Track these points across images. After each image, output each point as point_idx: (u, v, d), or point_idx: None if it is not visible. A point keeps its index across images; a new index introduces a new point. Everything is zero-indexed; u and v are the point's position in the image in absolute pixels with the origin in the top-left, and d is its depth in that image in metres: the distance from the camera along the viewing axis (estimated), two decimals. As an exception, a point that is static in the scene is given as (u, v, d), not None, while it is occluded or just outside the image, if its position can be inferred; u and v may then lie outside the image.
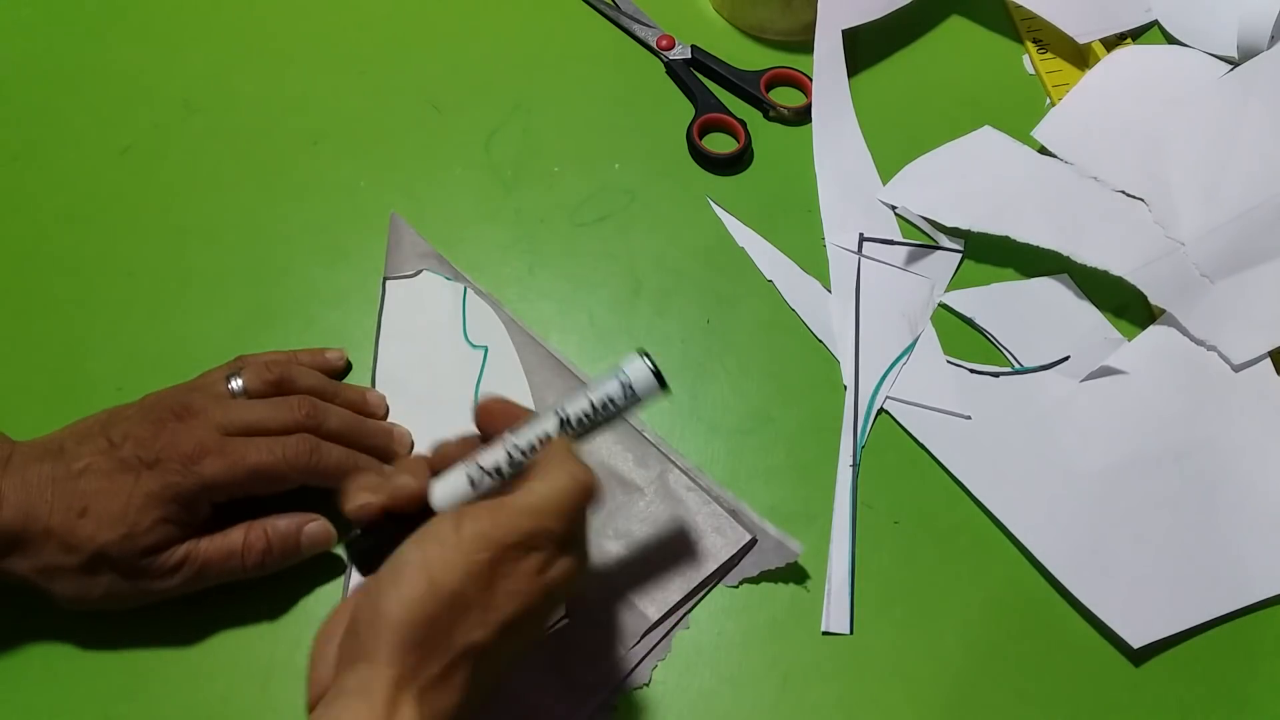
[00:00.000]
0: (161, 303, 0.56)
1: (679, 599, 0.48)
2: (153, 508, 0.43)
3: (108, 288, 0.57)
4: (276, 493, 0.47)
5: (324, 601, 0.48)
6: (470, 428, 0.43)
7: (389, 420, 0.52)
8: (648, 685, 0.47)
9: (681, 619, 0.48)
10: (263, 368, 0.49)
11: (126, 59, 0.65)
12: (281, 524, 0.47)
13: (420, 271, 0.57)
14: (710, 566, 0.48)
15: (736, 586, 0.49)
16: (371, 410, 0.52)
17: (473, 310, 0.56)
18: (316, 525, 0.47)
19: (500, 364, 0.54)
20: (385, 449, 0.50)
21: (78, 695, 0.46)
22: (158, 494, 0.43)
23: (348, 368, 0.54)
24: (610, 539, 0.49)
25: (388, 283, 0.57)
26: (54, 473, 0.43)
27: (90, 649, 0.47)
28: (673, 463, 0.51)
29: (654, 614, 0.47)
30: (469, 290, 0.56)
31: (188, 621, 0.47)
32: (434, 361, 0.54)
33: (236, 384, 0.48)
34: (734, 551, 0.48)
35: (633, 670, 0.46)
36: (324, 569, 0.49)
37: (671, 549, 0.49)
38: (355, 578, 0.48)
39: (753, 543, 0.49)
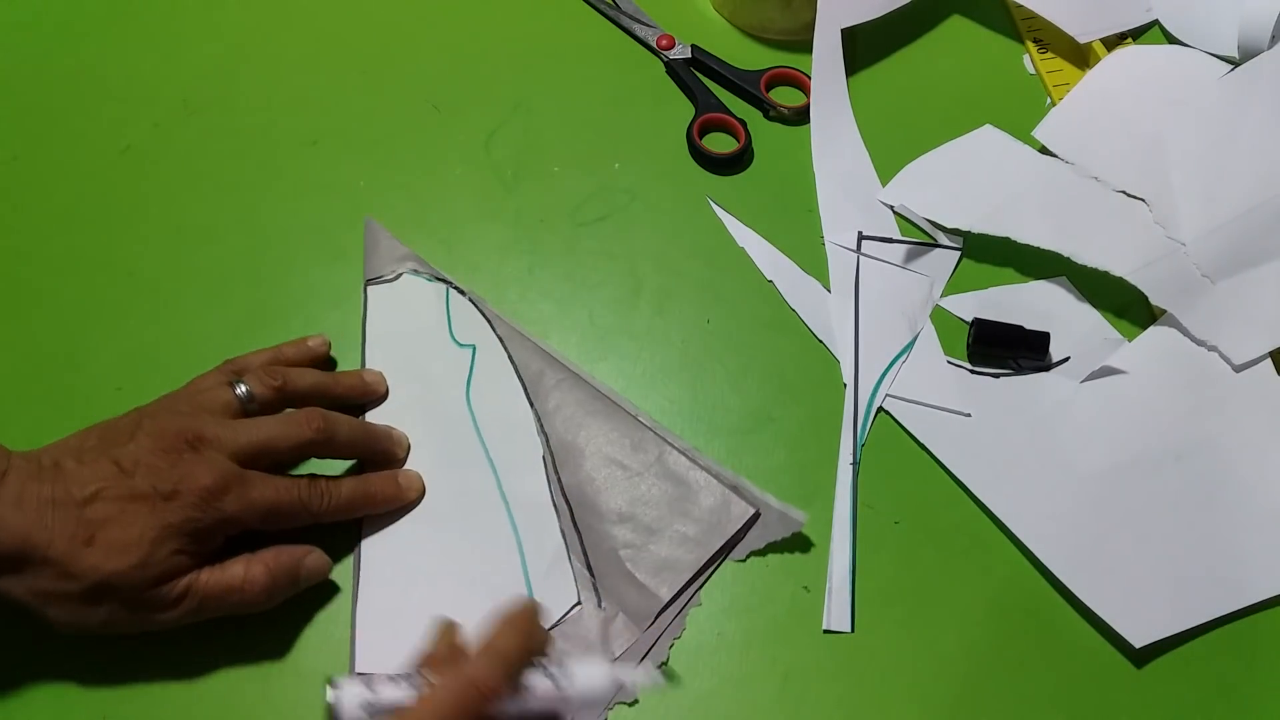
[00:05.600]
0: (161, 303, 0.56)
1: (689, 577, 0.48)
2: (169, 540, 0.43)
3: (108, 288, 0.57)
4: (288, 529, 0.47)
5: (321, 602, 0.48)
6: None
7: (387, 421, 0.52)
8: (666, 663, 0.47)
9: (693, 596, 0.48)
10: (264, 374, 0.49)
11: (126, 59, 0.65)
12: (282, 557, 0.46)
13: (400, 274, 0.57)
14: (717, 542, 0.49)
15: (744, 560, 0.49)
16: (373, 390, 0.52)
17: (456, 309, 0.56)
18: (315, 557, 0.47)
19: (489, 361, 0.54)
20: (390, 454, 0.50)
21: (77, 695, 0.46)
22: (177, 527, 0.43)
23: (330, 356, 0.54)
24: (615, 524, 0.49)
25: (369, 288, 0.56)
26: (54, 495, 0.42)
27: (90, 649, 0.46)
28: (670, 444, 0.51)
29: (666, 594, 0.47)
30: (451, 289, 0.56)
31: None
32: (422, 364, 0.54)
33: (242, 390, 0.47)
34: (739, 526, 0.49)
35: (650, 650, 0.47)
36: (324, 569, 0.49)
37: (677, 529, 0.49)
38: (364, 583, 0.48)
39: (756, 516, 0.49)
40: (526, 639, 0.40)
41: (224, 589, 0.44)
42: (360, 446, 0.49)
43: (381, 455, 0.50)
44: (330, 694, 0.39)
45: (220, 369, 0.50)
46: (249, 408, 0.47)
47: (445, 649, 0.42)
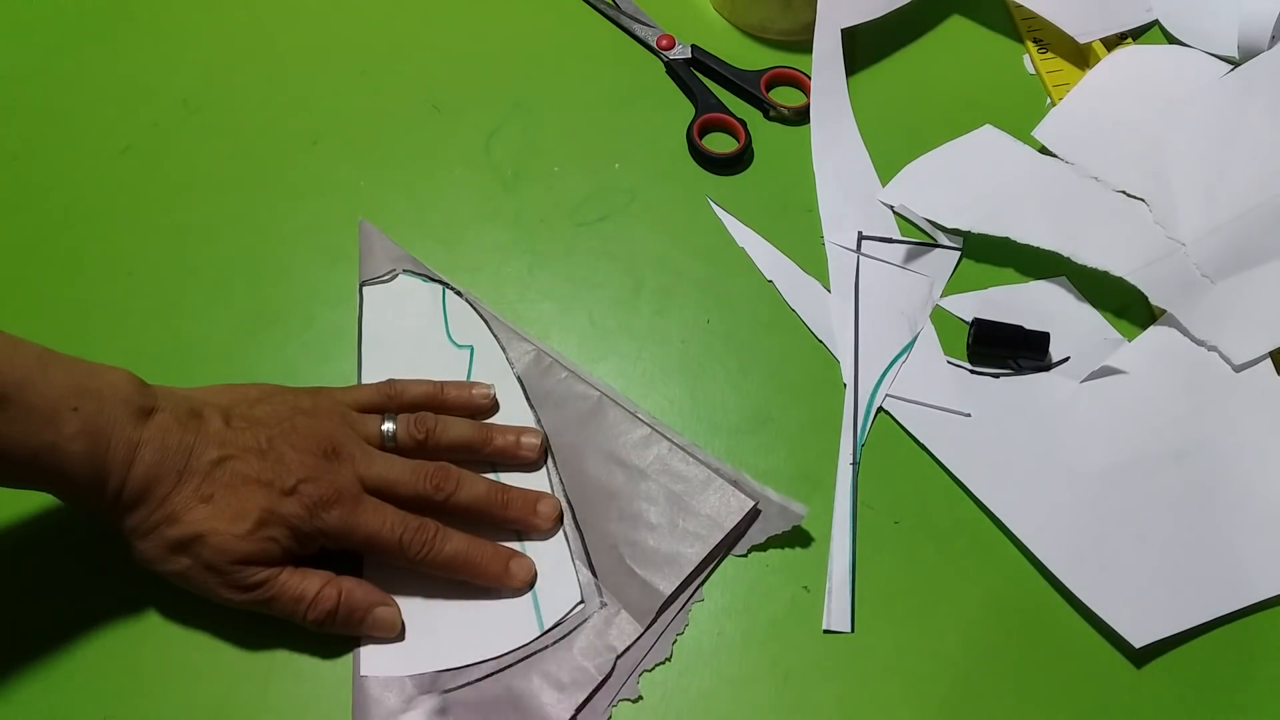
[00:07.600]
0: (161, 303, 0.56)
1: (690, 573, 0.48)
2: (272, 526, 0.44)
3: (108, 288, 0.57)
4: (383, 560, 0.47)
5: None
6: None
7: None
8: (669, 660, 0.47)
9: (695, 591, 0.48)
10: (414, 422, 0.49)
11: (126, 59, 0.66)
12: (356, 594, 0.46)
13: (395, 275, 0.57)
14: (717, 537, 0.49)
15: (745, 555, 0.49)
16: (526, 460, 0.51)
17: (453, 310, 0.56)
18: (388, 611, 0.47)
19: (487, 363, 0.54)
20: (523, 522, 0.49)
21: (78, 695, 0.46)
22: (282, 519, 0.44)
23: (495, 406, 0.53)
24: (616, 522, 0.49)
25: (364, 289, 0.56)
26: (193, 447, 0.44)
27: (90, 649, 0.47)
28: (670, 440, 0.51)
29: (667, 590, 0.48)
30: (447, 290, 0.56)
31: (189, 622, 0.47)
32: (419, 365, 0.53)
33: (389, 430, 0.48)
34: (739, 520, 0.49)
35: (653, 646, 0.47)
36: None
37: (678, 524, 0.49)
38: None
39: (756, 510, 0.49)
40: None
41: (294, 597, 0.45)
42: (483, 511, 0.48)
43: (510, 523, 0.49)
44: None
45: (379, 389, 0.51)
46: (388, 445, 0.48)
47: None
